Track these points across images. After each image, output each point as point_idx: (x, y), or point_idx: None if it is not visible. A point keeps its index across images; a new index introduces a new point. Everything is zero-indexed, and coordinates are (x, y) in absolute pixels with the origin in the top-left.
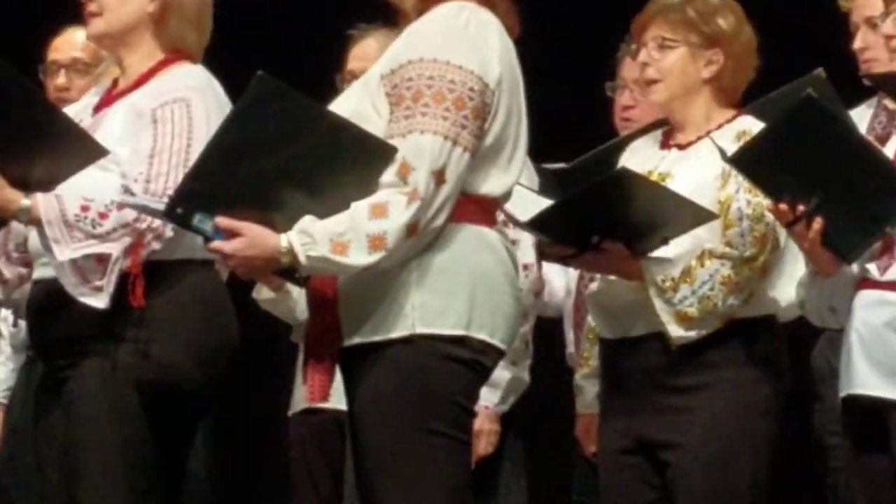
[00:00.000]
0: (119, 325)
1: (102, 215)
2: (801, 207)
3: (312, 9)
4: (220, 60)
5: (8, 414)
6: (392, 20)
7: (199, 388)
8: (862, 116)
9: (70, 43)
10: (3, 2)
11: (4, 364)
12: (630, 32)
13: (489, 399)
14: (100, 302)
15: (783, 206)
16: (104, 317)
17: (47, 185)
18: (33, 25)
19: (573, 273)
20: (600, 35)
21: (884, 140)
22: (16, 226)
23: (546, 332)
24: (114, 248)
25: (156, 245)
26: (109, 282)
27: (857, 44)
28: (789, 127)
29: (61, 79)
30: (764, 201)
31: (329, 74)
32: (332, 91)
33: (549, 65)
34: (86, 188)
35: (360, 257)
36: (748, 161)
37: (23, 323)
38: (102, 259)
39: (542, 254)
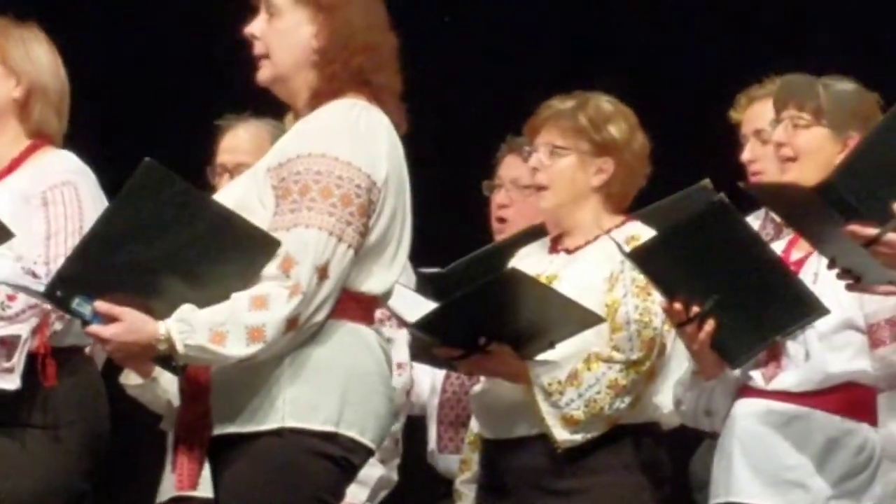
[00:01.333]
0: (25, 408)
1: (10, 297)
2: (695, 308)
3: (185, 97)
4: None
5: None
6: (262, 110)
7: (87, 477)
8: None
9: None
10: None
11: None
12: (511, 133)
13: (358, 496)
14: (10, 384)
15: (677, 306)
16: (10, 400)
17: None
18: None
19: (439, 372)
20: (480, 133)
21: None
22: None
23: (414, 430)
24: (23, 329)
25: (58, 325)
26: (19, 362)
27: (746, 155)
28: (695, 228)
29: None
30: (651, 306)
31: (198, 164)
32: (203, 182)
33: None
34: None
35: (237, 348)
36: (646, 258)
37: None
38: (6, 342)
39: (417, 355)
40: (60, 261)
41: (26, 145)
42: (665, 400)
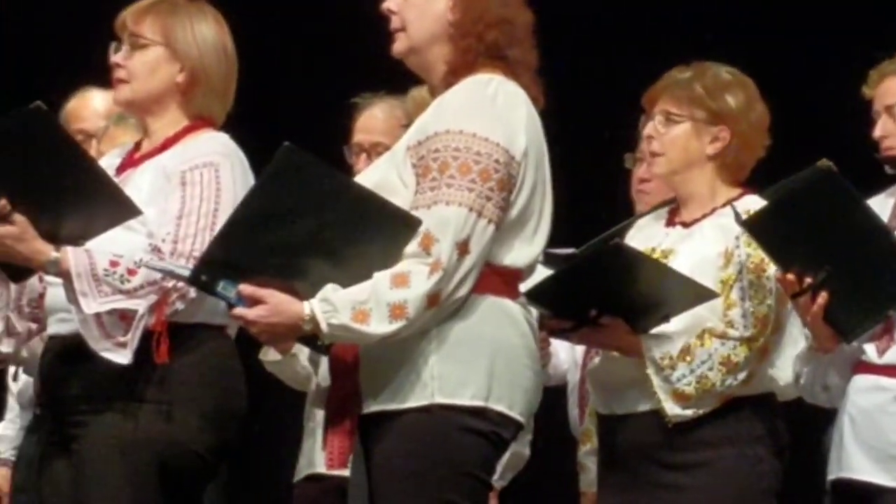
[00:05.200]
0: (141, 384)
1: (131, 271)
2: (808, 280)
3: (323, 76)
4: (232, 128)
5: (14, 472)
6: (397, 87)
7: (210, 453)
8: (883, 205)
9: (92, 110)
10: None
11: (13, 422)
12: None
13: None
14: (123, 358)
15: (791, 277)
16: (125, 375)
17: (77, 239)
18: (49, 83)
19: (580, 346)
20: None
21: None
22: (31, 282)
23: (549, 405)
24: (140, 305)
25: (179, 305)
26: (133, 338)
27: (877, 132)
28: (806, 197)
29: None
30: (766, 282)
31: (337, 144)
32: (342, 162)
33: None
34: (114, 245)
35: (380, 326)
36: (762, 227)
37: (25, 378)
38: (126, 316)
39: (542, 326)
40: (189, 241)
41: (183, 126)
42: (781, 373)
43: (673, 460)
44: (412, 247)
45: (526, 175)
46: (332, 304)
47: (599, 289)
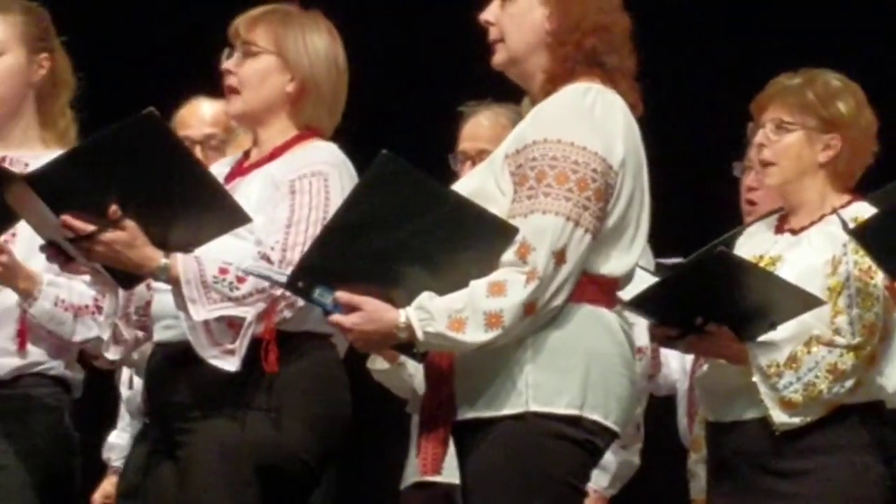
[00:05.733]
0: (248, 391)
1: (240, 279)
2: None
3: (427, 85)
4: (340, 138)
5: (122, 478)
6: (503, 96)
7: (315, 460)
8: None
9: (200, 118)
10: (132, 66)
11: (124, 430)
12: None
13: (598, 482)
14: (231, 365)
15: None
16: (232, 382)
17: (186, 246)
18: (162, 92)
19: (689, 356)
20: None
21: None
22: (139, 289)
23: (659, 414)
24: (248, 312)
25: (287, 313)
26: (241, 345)
27: None
28: None
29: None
30: (873, 290)
31: (442, 152)
32: (446, 169)
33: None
34: (223, 253)
35: (476, 334)
36: (870, 235)
37: (137, 384)
38: (234, 323)
39: (652, 335)
40: (298, 249)
41: (292, 135)
42: (890, 381)
43: (780, 468)
44: (509, 255)
45: (623, 184)
46: (429, 312)
47: (705, 296)
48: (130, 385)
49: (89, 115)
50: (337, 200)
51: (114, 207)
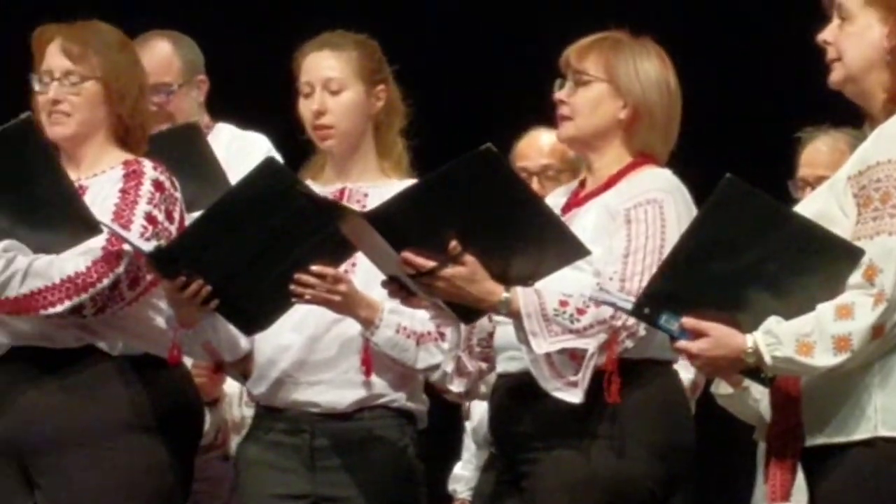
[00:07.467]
0: (592, 421)
1: (580, 311)
2: None
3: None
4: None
5: None
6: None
7: (661, 489)
8: None
9: (538, 149)
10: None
11: (469, 461)
12: None
13: None
14: (574, 397)
15: None
16: (576, 413)
17: (526, 280)
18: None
19: None
20: None
21: None
22: (482, 321)
23: None
24: (590, 344)
25: (629, 343)
26: (584, 377)
27: None
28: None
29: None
30: None
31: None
32: (783, 195)
33: None
34: (562, 285)
35: (825, 358)
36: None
37: (479, 417)
38: (576, 355)
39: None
40: (637, 279)
41: (627, 163)
42: None
43: None
44: (855, 278)
45: None
46: (776, 337)
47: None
48: (468, 415)
49: (420, 142)
50: (673, 227)
51: (454, 243)
